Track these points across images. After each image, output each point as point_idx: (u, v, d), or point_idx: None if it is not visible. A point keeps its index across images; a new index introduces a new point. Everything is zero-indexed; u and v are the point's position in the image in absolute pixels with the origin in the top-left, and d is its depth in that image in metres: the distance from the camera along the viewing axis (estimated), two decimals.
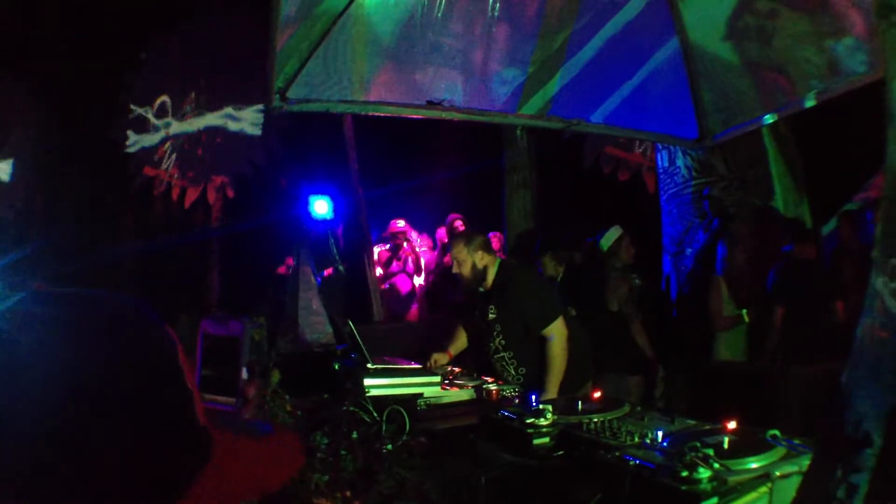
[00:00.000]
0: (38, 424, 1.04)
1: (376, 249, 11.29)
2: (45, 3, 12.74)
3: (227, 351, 1.58)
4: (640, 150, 11.92)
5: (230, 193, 12.55)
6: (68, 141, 12.60)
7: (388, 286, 10.95)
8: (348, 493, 2.36)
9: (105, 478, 1.07)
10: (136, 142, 12.94)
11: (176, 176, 12.71)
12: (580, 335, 5.21)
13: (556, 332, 4.83)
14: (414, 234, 11.31)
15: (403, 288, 10.98)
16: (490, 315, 5.09)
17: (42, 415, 1.04)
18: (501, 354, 5.04)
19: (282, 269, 10.67)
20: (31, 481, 1.03)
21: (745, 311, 7.16)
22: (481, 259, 5.11)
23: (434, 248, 11.34)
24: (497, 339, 5.06)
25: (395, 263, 11.09)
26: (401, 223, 11.17)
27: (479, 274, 5.12)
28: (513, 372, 5.00)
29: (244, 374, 1.51)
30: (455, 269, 5.21)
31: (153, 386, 1.15)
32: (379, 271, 11.00)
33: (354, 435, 2.61)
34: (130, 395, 1.10)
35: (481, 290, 5.20)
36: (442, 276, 10.36)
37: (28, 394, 1.04)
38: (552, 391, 4.68)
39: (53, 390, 1.05)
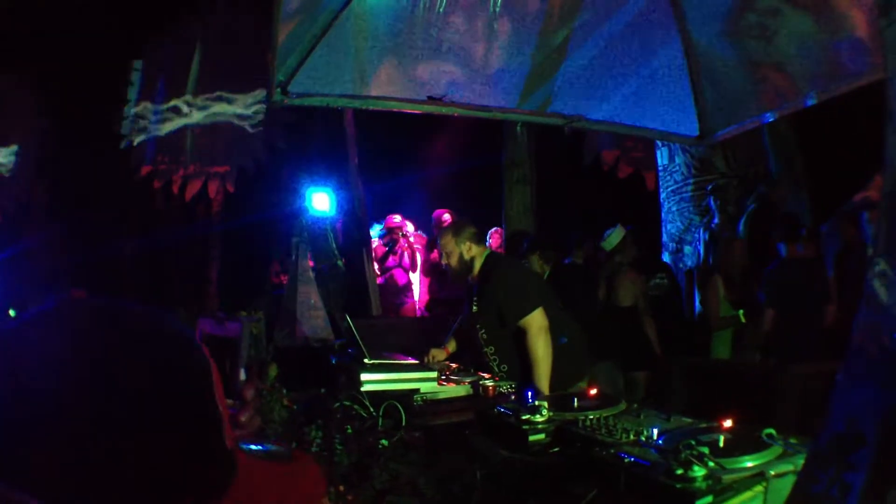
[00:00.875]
0: (55, 435, 1.02)
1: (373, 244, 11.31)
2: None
3: (225, 351, 1.57)
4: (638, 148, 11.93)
5: (231, 188, 12.55)
6: (70, 135, 12.60)
7: (383, 280, 10.96)
8: (342, 488, 2.36)
9: (128, 500, 1.05)
10: (137, 136, 12.93)
11: (177, 170, 12.70)
12: (574, 329, 5.15)
13: (533, 324, 4.71)
14: (411, 228, 11.31)
15: (400, 282, 10.99)
16: (473, 308, 5.06)
17: (61, 424, 1.02)
18: (486, 350, 4.99)
19: (274, 279, 10.70)
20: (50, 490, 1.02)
21: (741, 311, 7.17)
22: (469, 250, 5.05)
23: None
24: (481, 333, 5.00)
25: (391, 258, 11.10)
26: (397, 218, 11.18)
27: (466, 265, 5.07)
28: (496, 368, 4.92)
29: (242, 374, 1.51)
30: (444, 261, 5.17)
31: (182, 408, 1.13)
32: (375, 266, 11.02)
33: (349, 429, 2.60)
34: (156, 416, 1.08)
35: (469, 281, 5.16)
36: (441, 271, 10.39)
37: (44, 406, 1.03)
38: (542, 385, 4.62)
39: (74, 404, 1.03)
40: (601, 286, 7.65)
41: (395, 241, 11.05)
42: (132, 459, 1.05)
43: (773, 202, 8.48)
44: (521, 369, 4.78)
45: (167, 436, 1.09)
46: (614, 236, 7.61)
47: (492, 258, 5.16)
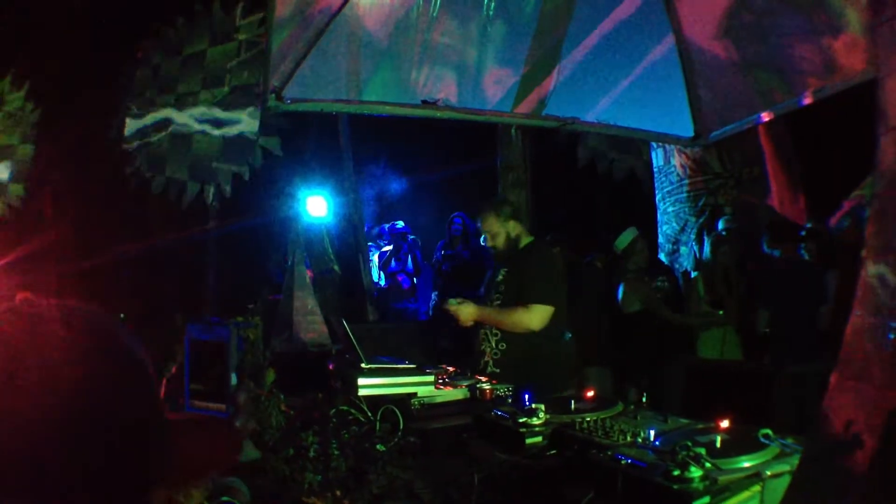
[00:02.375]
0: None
1: (376, 250, 11.35)
2: (45, 2, 12.71)
3: (214, 356, 1.57)
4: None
5: (227, 193, 12.54)
6: (66, 140, 12.58)
7: (387, 285, 10.99)
8: (339, 493, 2.36)
9: (71, 492, 1.07)
10: (133, 141, 12.91)
11: (173, 175, 12.69)
12: (568, 348, 5.12)
13: (536, 313, 4.73)
14: (410, 234, 11.35)
15: (403, 287, 11.02)
16: (499, 277, 5.00)
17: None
18: (490, 327, 4.95)
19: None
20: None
21: (720, 311, 7.19)
22: (514, 228, 5.01)
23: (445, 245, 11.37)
24: (494, 304, 4.97)
25: (394, 263, 11.13)
26: (400, 224, 11.23)
27: (513, 243, 5.01)
28: (493, 345, 4.88)
29: (233, 379, 1.51)
30: (489, 243, 5.10)
31: (120, 402, 1.15)
32: (378, 271, 11.06)
33: (346, 434, 2.61)
34: (96, 410, 1.10)
35: (501, 251, 5.07)
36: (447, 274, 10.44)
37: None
38: (488, 313, 4.81)
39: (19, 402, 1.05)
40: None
41: (400, 247, 11.08)
42: (71, 451, 1.07)
43: (752, 211, 8.51)
44: (517, 357, 4.79)
45: (105, 424, 1.11)
46: (625, 237, 7.61)
47: (540, 242, 5.19)
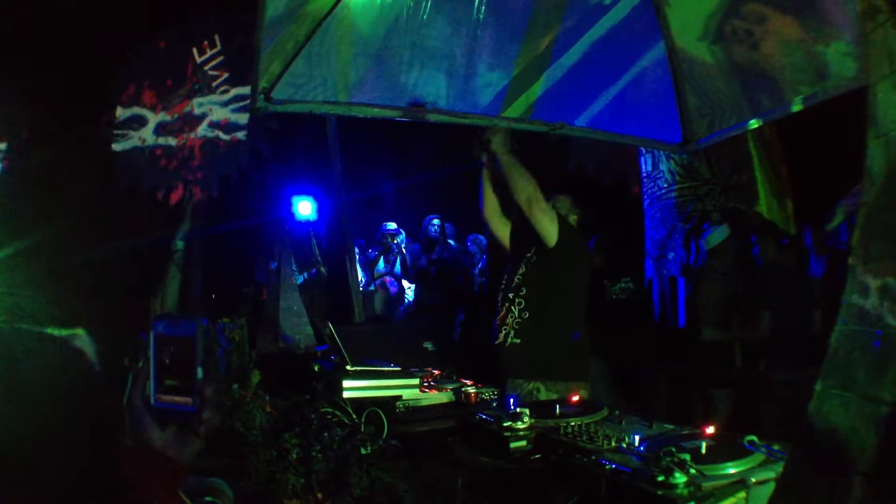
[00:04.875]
0: None
1: (363, 251, 11.30)
2: (38, 4, 12.67)
3: (180, 351, 1.57)
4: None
5: (215, 194, 12.51)
6: (56, 140, 12.54)
7: (374, 288, 10.93)
8: (319, 495, 2.35)
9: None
10: (122, 141, 12.88)
11: (162, 176, 12.66)
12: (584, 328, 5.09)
13: (553, 217, 4.80)
14: (403, 236, 11.30)
15: (392, 291, 10.97)
16: (531, 250, 4.94)
17: None
18: (516, 292, 4.87)
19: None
20: None
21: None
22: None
23: (423, 249, 11.33)
24: (520, 273, 4.91)
25: (383, 265, 11.08)
26: (392, 225, 11.18)
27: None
28: (516, 314, 4.81)
29: (199, 373, 1.51)
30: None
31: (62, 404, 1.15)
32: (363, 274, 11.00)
33: (327, 437, 2.60)
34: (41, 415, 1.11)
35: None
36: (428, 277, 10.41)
37: None
38: (514, 161, 4.83)
39: None
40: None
41: (390, 249, 11.03)
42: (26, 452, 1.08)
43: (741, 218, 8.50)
44: (539, 327, 4.73)
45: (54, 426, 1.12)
46: (718, 234, 7.35)
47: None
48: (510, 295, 4.88)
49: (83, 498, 1.17)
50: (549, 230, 4.71)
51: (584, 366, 4.88)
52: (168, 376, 1.57)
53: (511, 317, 4.81)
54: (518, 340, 4.70)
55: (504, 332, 4.79)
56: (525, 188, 4.72)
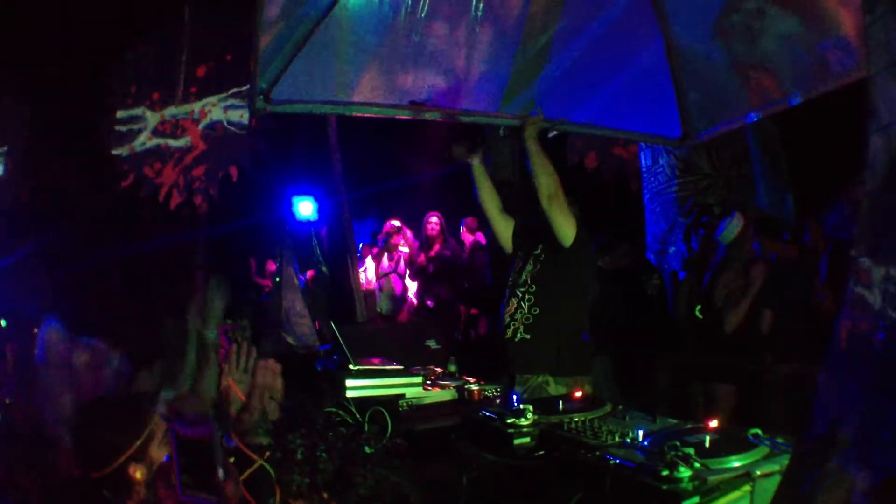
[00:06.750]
0: None
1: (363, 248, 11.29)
2: (36, 4, 12.66)
3: (200, 450, 1.60)
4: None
5: (215, 194, 12.50)
6: (56, 142, 12.54)
7: (378, 286, 10.91)
8: (326, 495, 2.35)
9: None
10: (122, 143, 12.87)
11: (161, 177, 12.65)
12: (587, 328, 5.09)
13: (570, 219, 4.73)
14: (408, 233, 11.26)
15: (395, 289, 10.94)
16: (538, 248, 4.91)
17: None
18: (525, 288, 4.83)
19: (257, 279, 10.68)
20: None
21: (698, 307, 7.13)
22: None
23: (421, 247, 11.30)
24: (530, 268, 4.88)
25: (388, 264, 11.05)
26: (396, 223, 11.14)
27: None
28: (525, 309, 4.77)
29: (220, 473, 1.53)
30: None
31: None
32: (366, 272, 10.97)
33: (332, 436, 2.59)
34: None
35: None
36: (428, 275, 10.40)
37: None
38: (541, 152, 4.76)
39: None
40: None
41: (394, 247, 10.99)
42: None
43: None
44: (548, 323, 4.71)
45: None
46: (732, 227, 6.95)
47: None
48: (518, 291, 4.86)
49: None
50: (567, 230, 4.70)
51: (588, 360, 4.89)
52: (186, 473, 1.59)
53: (520, 312, 4.80)
54: (528, 336, 4.70)
55: (513, 327, 4.79)
56: (549, 185, 4.69)
